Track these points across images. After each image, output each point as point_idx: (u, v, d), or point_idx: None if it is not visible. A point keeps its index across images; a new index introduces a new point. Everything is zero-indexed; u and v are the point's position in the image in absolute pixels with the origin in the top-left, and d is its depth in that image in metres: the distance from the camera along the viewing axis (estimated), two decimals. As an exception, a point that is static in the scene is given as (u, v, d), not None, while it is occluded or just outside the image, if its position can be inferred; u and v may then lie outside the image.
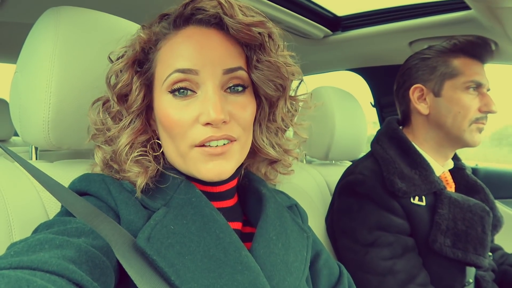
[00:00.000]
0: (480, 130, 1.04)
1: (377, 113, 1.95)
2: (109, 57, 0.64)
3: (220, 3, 0.54)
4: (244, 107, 0.58)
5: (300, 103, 0.69)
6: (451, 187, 1.09)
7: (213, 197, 0.62)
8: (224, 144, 0.56)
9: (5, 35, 1.70)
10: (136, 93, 0.58)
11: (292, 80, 0.64)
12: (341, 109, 1.34)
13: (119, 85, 0.58)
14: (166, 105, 0.57)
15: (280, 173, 0.74)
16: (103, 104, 0.62)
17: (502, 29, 1.16)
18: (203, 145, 0.56)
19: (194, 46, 0.56)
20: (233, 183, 0.66)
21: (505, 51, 1.37)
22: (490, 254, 1.18)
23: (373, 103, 1.95)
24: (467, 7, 1.18)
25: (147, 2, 1.07)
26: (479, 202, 1.01)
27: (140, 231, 0.51)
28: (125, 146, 0.57)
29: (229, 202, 0.65)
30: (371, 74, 1.91)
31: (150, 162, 0.59)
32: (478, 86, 1.03)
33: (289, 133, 0.73)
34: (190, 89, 0.56)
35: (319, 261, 0.71)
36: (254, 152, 0.69)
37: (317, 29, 1.49)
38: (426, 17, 1.35)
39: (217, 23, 0.58)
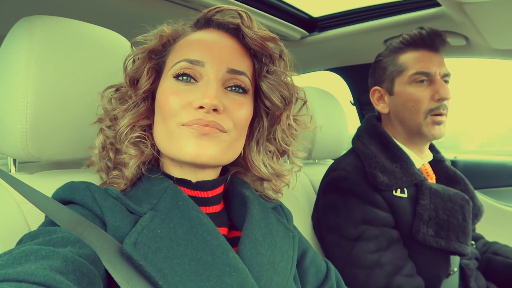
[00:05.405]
0: (437, 123, 1.04)
1: (357, 111, 1.98)
2: (131, 44, 0.69)
3: (240, 15, 0.61)
4: (240, 106, 0.61)
5: (299, 129, 0.71)
6: (431, 179, 1.11)
7: (200, 202, 0.62)
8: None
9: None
10: (146, 77, 0.63)
11: (296, 99, 0.68)
12: (321, 109, 1.35)
13: (133, 68, 0.63)
14: (167, 87, 0.60)
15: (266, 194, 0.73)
16: (116, 90, 0.66)
17: (471, 24, 1.20)
18: (192, 125, 0.57)
19: (207, 43, 0.61)
20: (220, 189, 0.66)
21: (476, 45, 1.41)
22: (473, 242, 1.21)
23: (352, 101, 1.98)
24: (438, 4, 1.22)
25: (122, 10, 1.06)
26: (459, 191, 1.04)
27: (127, 236, 0.51)
28: (126, 127, 0.61)
29: (216, 208, 0.65)
30: (349, 73, 1.93)
31: (146, 147, 0.62)
32: (426, 76, 1.03)
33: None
34: (193, 77, 0.60)
35: (305, 259, 0.72)
36: (246, 167, 0.70)
37: (294, 31, 1.51)
38: (399, 15, 1.39)
39: (235, 29, 0.63)
